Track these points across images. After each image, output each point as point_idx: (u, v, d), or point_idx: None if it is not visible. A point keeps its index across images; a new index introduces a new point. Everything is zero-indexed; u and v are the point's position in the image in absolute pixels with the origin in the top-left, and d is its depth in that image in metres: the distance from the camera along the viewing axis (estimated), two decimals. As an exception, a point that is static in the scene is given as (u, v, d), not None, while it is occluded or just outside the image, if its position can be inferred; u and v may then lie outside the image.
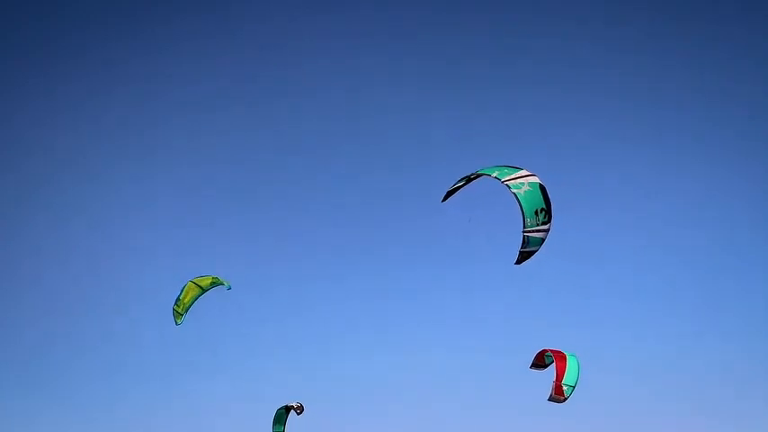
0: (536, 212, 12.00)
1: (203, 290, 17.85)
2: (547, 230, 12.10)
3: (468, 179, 12.57)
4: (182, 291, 17.73)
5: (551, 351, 15.96)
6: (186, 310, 17.89)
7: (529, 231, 12.00)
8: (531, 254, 12.18)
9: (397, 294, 27.21)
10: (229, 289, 17.77)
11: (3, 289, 27.48)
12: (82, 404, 25.21)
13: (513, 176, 12.17)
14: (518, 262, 12.24)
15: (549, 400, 15.48)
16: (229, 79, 29.75)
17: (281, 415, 18.53)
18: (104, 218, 28.21)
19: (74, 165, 28.79)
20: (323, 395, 23.48)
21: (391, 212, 28.32)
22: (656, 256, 27.27)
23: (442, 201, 12.82)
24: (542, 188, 12.12)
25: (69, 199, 28.45)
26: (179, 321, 17.84)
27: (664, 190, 27.80)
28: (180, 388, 25.38)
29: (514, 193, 11.99)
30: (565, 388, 15.47)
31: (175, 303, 17.78)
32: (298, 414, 18.26)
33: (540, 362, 16.34)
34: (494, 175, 12.22)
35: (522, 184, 12.11)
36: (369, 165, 29.40)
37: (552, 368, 15.83)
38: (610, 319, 26.09)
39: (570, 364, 15.67)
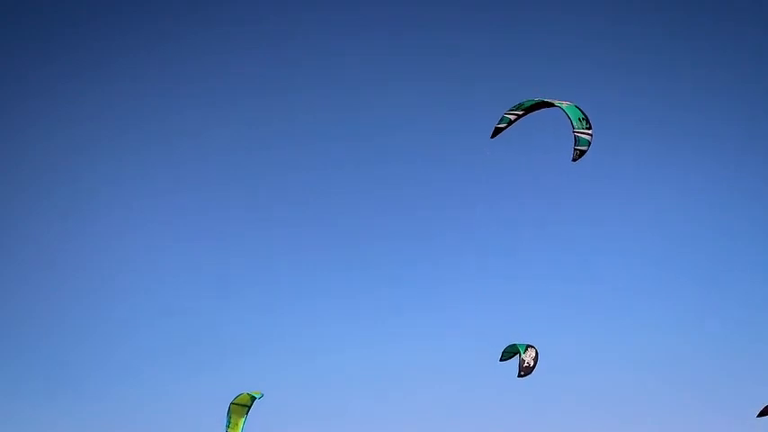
0: (579, 119, 14.86)
1: (248, 407, 18.20)
2: (591, 134, 14.88)
3: (518, 115, 15.38)
4: (229, 417, 18.18)
5: None
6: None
7: (577, 132, 14.77)
8: (582, 152, 14.80)
9: (396, 291, 27.42)
10: (262, 397, 18.63)
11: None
12: (80, 403, 24.31)
13: (556, 100, 15.18)
14: (574, 159, 14.79)
15: None
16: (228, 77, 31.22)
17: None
18: (102, 216, 28.18)
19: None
20: (321, 392, 23.15)
21: (389, 210, 28.97)
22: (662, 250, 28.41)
23: (492, 137, 15.35)
24: (578, 107, 15.10)
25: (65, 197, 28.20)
26: None
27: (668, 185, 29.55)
28: (178, 387, 24.60)
29: (558, 106, 14.93)
30: None
31: (228, 427, 18.23)
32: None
33: None
34: (537, 99, 15.17)
35: (563, 102, 15.12)
36: (369, 162, 30.57)
37: None
38: (610, 314, 26.90)
39: None
